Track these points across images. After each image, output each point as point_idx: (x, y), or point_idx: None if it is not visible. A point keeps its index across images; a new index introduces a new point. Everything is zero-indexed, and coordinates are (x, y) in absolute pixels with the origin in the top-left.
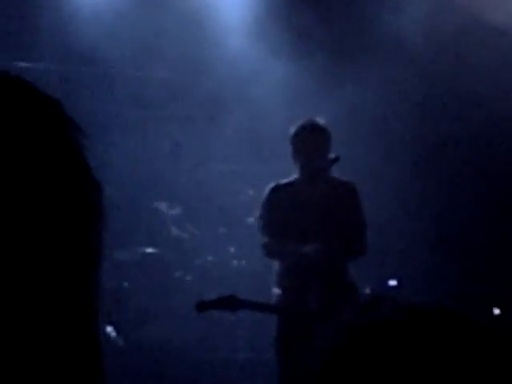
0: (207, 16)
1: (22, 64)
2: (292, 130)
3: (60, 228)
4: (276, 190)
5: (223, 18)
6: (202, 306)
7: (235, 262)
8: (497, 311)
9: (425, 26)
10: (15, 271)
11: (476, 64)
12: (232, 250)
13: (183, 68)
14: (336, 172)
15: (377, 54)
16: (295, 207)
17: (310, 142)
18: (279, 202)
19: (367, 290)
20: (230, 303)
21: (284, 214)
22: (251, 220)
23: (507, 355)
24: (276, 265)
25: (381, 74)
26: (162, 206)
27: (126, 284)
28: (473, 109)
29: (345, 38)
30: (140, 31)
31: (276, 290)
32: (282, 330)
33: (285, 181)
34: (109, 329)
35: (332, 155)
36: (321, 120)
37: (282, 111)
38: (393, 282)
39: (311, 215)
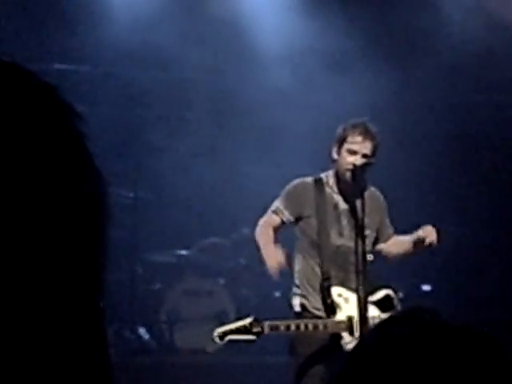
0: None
1: (58, 65)
2: (344, 126)
3: (61, 219)
4: (304, 184)
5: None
6: (223, 336)
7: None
8: None
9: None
10: (16, 269)
11: (503, 68)
12: None
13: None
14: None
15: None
16: (324, 205)
17: (362, 145)
18: (306, 196)
19: (400, 295)
20: (253, 329)
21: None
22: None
23: None
24: (297, 263)
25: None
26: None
27: (159, 285)
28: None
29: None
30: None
31: (295, 300)
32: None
33: (313, 177)
34: (142, 331)
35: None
36: (374, 127)
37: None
38: (426, 287)
39: (342, 216)
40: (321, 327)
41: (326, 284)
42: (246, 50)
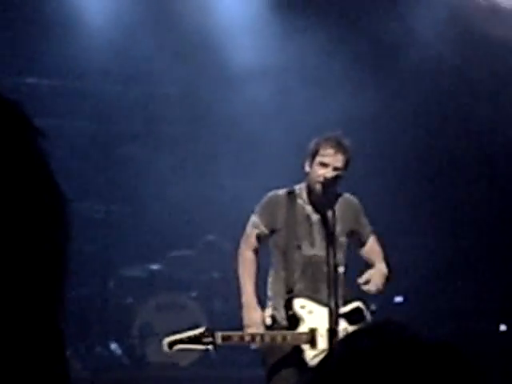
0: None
1: (30, 79)
2: (316, 140)
3: (18, 233)
4: (276, 197)
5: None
6: (172, 344)
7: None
8: (503, 327)
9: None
10: None
11: (486, 76)
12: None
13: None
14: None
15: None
16: (295, 216)
17: (334, 158)
18: (278, 209)
19: (373, 307)
20: (204, 339)
21: (284, 222)
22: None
23: None
24: (271, 274)
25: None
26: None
27: (131, 300)
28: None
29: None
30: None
31: (268, 313)
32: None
33: (286, 190)
34: (113, 346)
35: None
36: (347, 141)
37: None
38: (399, 299)
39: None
40: (279, 339)
41: (288, 296)
42: (221, 64)
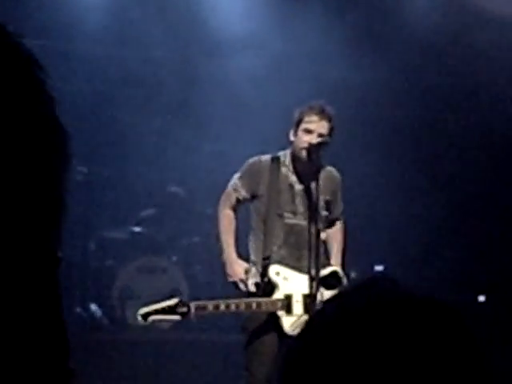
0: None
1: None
2: (301, 109)
3: (19, 157)
4: (260, 162)
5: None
6: (146, 316)
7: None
8: (482, 298)
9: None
10: None
11: (488, 55)
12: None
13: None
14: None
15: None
16: (278, 184)
17: (319, 125)
18: (261, 175)
19: (352, 275)
20: (178, 309)
21: (266, 188)
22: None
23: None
24: (252, 240)
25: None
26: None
27: (111, 262)
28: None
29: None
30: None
31: (249, 279)
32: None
33: (270, 156)
34: (94, 307)
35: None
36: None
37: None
38: (379, 268)
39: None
40: (254, 306)
41: (264, 263)
42: (214, 31)
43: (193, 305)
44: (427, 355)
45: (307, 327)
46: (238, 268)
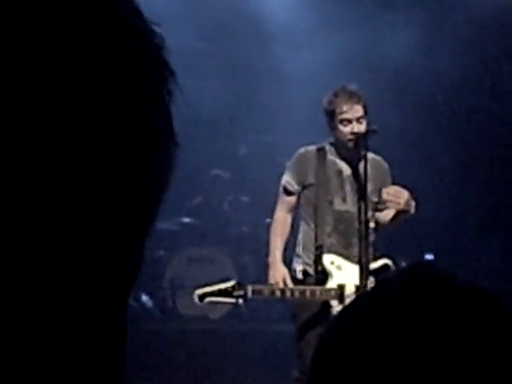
0: None
1: None
2: (328, 99)
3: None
4: (306, 153)
5: None
6: (203, 297)
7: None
8: None
9: None
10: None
11: None
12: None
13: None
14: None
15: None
16: (326, 171)
17: (353, 111)
18: (309, 164)
19: (403, 265)
20: (235, 292)
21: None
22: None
23: None
24: (301, 230)
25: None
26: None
27: (162, 253)
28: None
29: None
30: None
31: (297, 266)
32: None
33: (315, 146)
34: (145, 298)
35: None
36: (354, 86)
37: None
38: (429, 256)
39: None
40: (308, 294)
41: (318, 252)
42: (251, 21)
43: (249, 288)
44: (460, 343)
45: (341, 314)
46: (277, 274)
